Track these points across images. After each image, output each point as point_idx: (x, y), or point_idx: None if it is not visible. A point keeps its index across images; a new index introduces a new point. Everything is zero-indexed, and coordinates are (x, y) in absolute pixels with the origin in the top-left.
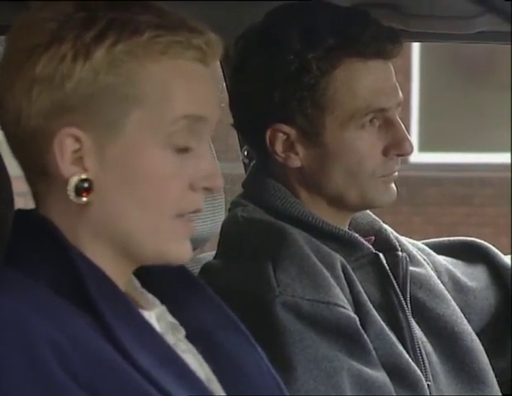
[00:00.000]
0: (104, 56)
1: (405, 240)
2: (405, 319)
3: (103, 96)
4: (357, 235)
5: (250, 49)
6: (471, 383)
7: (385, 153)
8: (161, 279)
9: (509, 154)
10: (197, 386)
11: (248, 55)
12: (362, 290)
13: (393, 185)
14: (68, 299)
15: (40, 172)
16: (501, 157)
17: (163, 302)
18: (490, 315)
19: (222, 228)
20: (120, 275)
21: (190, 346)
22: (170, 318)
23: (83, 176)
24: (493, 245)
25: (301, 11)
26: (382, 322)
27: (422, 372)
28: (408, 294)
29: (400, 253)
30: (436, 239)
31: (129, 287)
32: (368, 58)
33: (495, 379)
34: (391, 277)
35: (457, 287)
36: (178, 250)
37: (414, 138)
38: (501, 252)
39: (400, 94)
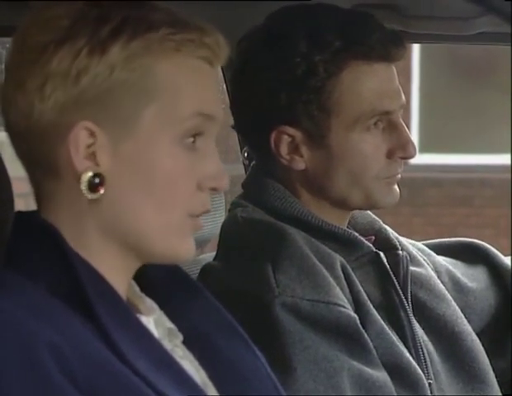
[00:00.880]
0: (120, 51)
1: (405, 240)
2: (407, 318)
3: (118, 91)
4: (357, 234)
5: (253, 52)
6: (472, 382)
7: (389, 155)
8: (160, 282)
9: (509, 155)
10: (194, 391)
11: (252, 57)
12: (362, 290)
13: (396, 186)
14: (67, 302)
15: (48, 170)
16: (501, 159)
17: (161, 305)
18: (490, 316)
19: (222, 228)
20: (122, 278)
21: (187, 352)
22: (168, 324)
23: (96, 172)
24: (493, 246)
25: (306, 13)
26: (383, 322)
27: (424, 371)
28: (409, 293)
29: (400, 252)
30: (436, 240)
31: (129, 291)
32: (374, 61)
33: (495, 379)
34: (392, 276)
35: (458, 287)
36: (183, 247)
37: (414, 139)
38: (501, 253)
39: (403, 97)
